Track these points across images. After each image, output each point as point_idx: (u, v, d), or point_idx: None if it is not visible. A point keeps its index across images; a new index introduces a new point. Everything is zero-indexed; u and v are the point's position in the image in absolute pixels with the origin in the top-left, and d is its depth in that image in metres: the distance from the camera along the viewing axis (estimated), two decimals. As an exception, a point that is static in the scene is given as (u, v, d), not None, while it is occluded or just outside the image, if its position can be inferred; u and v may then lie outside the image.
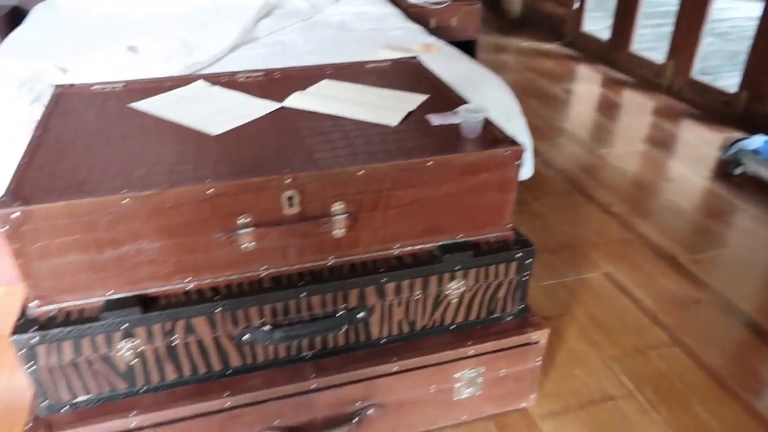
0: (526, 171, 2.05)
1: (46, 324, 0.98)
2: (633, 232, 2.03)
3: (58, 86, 1.38)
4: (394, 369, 1.16)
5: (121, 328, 1.00)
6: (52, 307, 0.99)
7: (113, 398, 1.06)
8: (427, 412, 1.23)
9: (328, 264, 1.11)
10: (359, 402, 1.16)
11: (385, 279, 1.11)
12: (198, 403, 1.06)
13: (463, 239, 1.17)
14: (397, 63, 1.57)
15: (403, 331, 1.18)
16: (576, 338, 1.56)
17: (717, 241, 2.00)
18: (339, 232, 1.08)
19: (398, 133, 1.17)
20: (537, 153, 2.55)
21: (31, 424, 1.02)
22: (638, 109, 3.10)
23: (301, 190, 1.02)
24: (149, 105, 1.28)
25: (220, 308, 1.04)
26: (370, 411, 1.17)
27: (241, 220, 1.02)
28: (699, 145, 2.69)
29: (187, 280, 1.04)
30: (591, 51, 3.89)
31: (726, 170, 2.42)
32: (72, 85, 1.39)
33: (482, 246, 1.18)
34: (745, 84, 2.82)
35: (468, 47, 3.22)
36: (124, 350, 1.02)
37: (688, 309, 1.67)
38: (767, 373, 1.47)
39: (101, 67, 1.84)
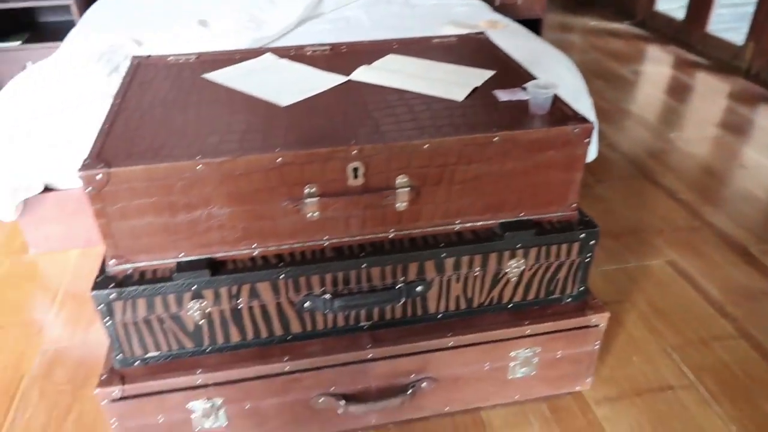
0: (590, 153, 2.00)
1: (122, 281, 1.03)
2: (701, 220, 1.96)
3: (135, 57, 1.43)
4: (450, 344, 1.17)
5: (191, 289, 1.04)
6: (128, 266, 1.04)
7: (181, 356, 1.11)
8: (480, 388, 1.24)
9: (389, 236, 1.12)
10: (413, 374, 1.18)
11: (444, 254, 1.11)
12: (259, 365, 1.11)
13: (526, 217, 1.16)
14: (463, 38, 1.56)
15: (460, 306, 1.19)
16: (635, 325, 1.53)
17: (792, 233, 1.91)
18: (401, 205, 1.09)
19: (464, 108, 1.16)
20: (601, 136, 2.48)
21: (106, 376, 1.08)
22: (712, 93, 2.97)
23: (366, 162, 1.03)
24: (221, 76, 1.32)
25: (283, 275, 1.07)
26: (424, 384, 1.18)
27: (307, 190, 1.04)
28: (777, 132, 2.56)
29: (253, 246, 1.08)
30: (663, 31, 3.73)
31: (806, 159, 2.30)
32: (149, 56, 1.44)
33: (545, 225, 1.16)
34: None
35: (533, 26, 3.15)
36: (193, 310, 1.06)
37: (757, 301, 1.61)
38: (840, 373, 1.41)
39: (173, 39, 1.90)
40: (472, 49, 1.50)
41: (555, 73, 1.93)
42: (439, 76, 1.30)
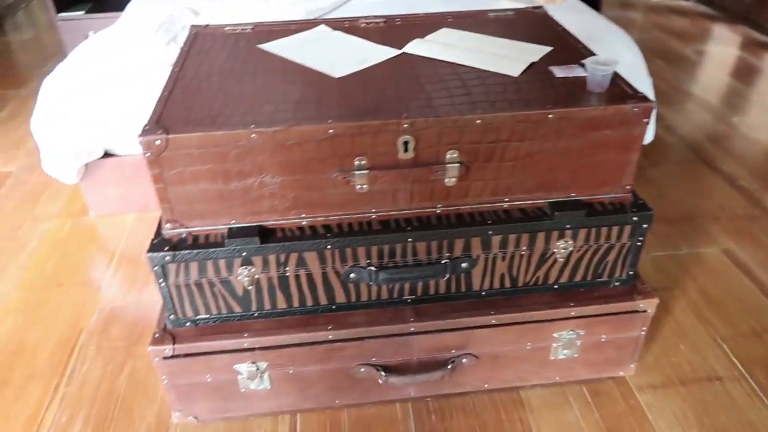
0: (647, 135, 1.94)
1: (177, 245, 1.07)
2: (761, 208, 1.88)
3: (193, 27, 1.46)
4: (492, 322, 1.17)
5: (241, 255, 1.07)
6: (182, 230, 1.08)
7: (229, 319, 1.15)
8: (520, 368, 1.24)
9: (437, 211, 1.12)
10: (454, 350, 1.19)
11: (491, 231, 1.11)
12: (303, 332, 1.13)
13: (576, 198, 1.14)
14: (521, 13, 1.52)
15: (504, 285, 1.18)
16: (684, 313, 1.49)
17: None
18: (450, 180, 1.08)
19: (519, 83, 1.14)
20: (659, 118, 2.40)
21: (158, 334, 1.13)
22: (781, 76, 2.82)
23: (417, 136, 1.03)
24: (276, 46, 1.33)
25: (330, 245, 1.08)
26: (464, 360, 1.19)
27: (357, 162, 1.05)
28: None
29: (302, 216, 1.09)
30: (731, 9, 3.55)
31: None
32: (207, 25, 1.46)
33: (596, 206, 1.14)
34: None
35: (592, 2, 3.04)
36: (242, 276, 1.09)
37: (816, 296, 1.55)
38: None
39: (230, 10, 1.92)
40: (529, 23, 1.46)
41: (613, 51, 1.87)
42: (494, 51, 1.28)
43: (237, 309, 1.14)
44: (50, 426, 1.27)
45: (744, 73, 2.87)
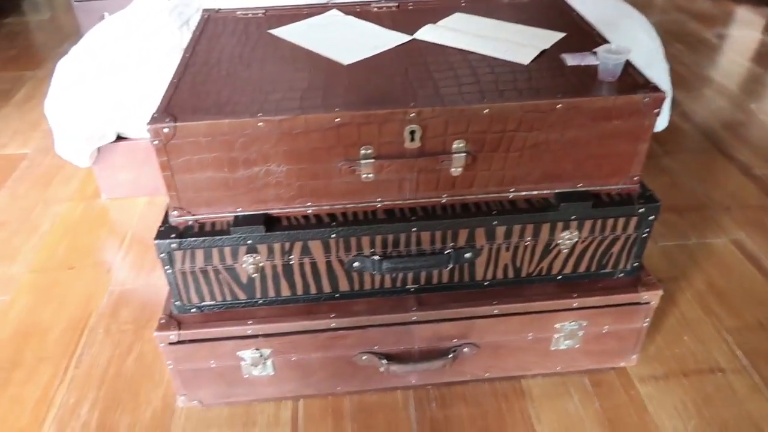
0: (661, 122, 1.91)
1: (183, 232, 1.08)
2: (775, 200, 1.86)
3: (205, 11, 1.45)
4: (494, 312, 1.17)
5: (246, 243, 1.08)
6: (189, 218, 1.09)
7: (234, 306, 1.16)
8: (521, 357, 1.24)
9: (442, 201, 1.12)
10: (456, 339, 1.19)
11: (496, 222, 1.11)
12: (307, 320, 1.15)
13: (583, 188, 1.13)
14: (534, -1, 1.50)
15: (507, 275, 1.19)
16: (690, 304, 1.49)
17: None
18: (456, 170, 1.08)
19: (529, 72, 1.13)
20: (676, 104, 2.36)
21: (164, 320, 1.15)
22: (803, 63, 2.76)
23: (423, 125, 1.03)
24: (287, 32, 1.33)
25: (334, 234, 1.09)
26: (466, 349, 1.20)
27: (363, 151, 1.04)
28: None
29: (307, 204, 1.10)
30: (756, -8, 3.46)
31: None
32: (218, 10, 1.46)
33: (602, 197, 1.13)
34: None
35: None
36: (247, 264, 1.11)
37: (826, 289, 1.53)
38: None
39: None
40: (543, 8, 1.44)
41: (631, 35, 1.84)
42: (506, 37, 1.26)
43: (241, 296, 1.16)
44: (59, 407, 1.30)
45: (766, 58, 2.81)
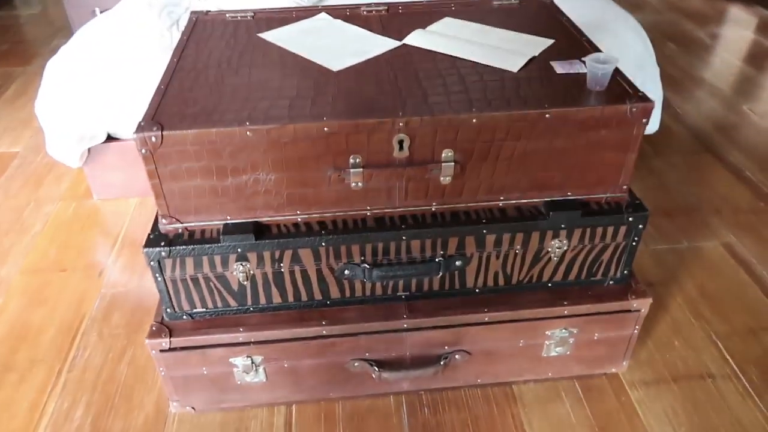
0: (652, 125, 1.92)
1: (173, 240, 1.08)
2: (766, 202, 1.86)
3: (194, 13, 1.44)
4: (485, 319, 1.17)
5: (236, 251, 1.08)
6: (178, 226, 1.09)
7: (224, 313, 1.16)
8: (512, 364, 1.25)
9: (431, 209, 1.12)
10: (447, 346, 1.20)
11: (486, 230, 1.11)
12: (298, 327, 1.15)
13: (572, 197, 1.13)
14: (526, 2, 1.49)
15: (498, 283, 1.19)
16: (680, 309, 1.49)
17: None
18: (445, 179, 1.08)
19: (518, 79, 1.13)
20: (668, 105, 2.37)
21: (155, 327, 1.15)
22: (796, 63, 2.77)
23: (412, 135, 1.03)
24: (275, 36, 1.32)
25: (324, 242, 1.09)
26: (457, 356, 1.20)
27: (351, 160, 1.04)
28: None
29: (297, 212, 1.10)
30: (749, -10, 3.46)
31: None
32: (207, 12, 1.45)
33: (592, 206, 1.14)
34: None
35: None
36: (237, 271, 1.10)
37: (816, 294, 1.54)
38: None
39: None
40: (534, 13, 1.44)
41: (622, 38, 1.84)
42: (495, 43, 1.26)
43: (232, 303, 1.16)
44: (52, 412, 1.30)
45: (758, 58, 2.81)
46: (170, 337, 1.13)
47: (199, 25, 1.39)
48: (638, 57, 1.82)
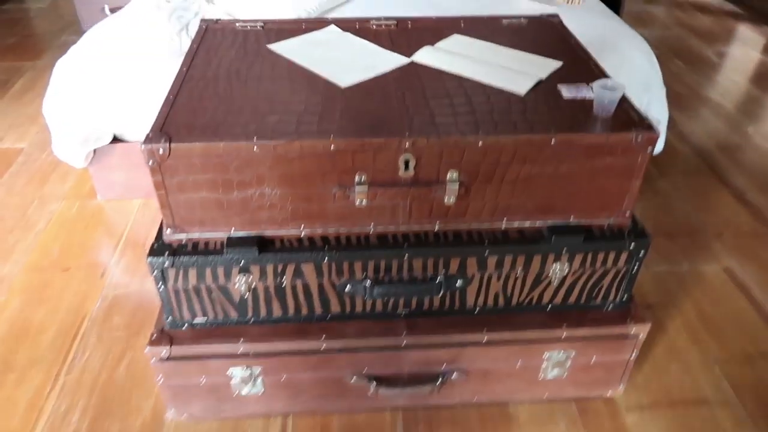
0: (657, 146, 1.92)
1: (177, 250, 1.08)
2: (767, 226, 1.86)
3: (204, 21, 1.45)
4: (484, 339, 1.18)
5: (239, 263, 1.08)
6: (183, 236, 1.09)
7: (225, 324, 1.17)
8: (509, 384, 1.25)
9: (435, 229, 1.13)
10: (445, 364, 1.20)
11: (488, 252, 1.11)
12: (297, 341, 1.15)
13: (575, 222, 1.14)
14: (535, 21, 1.50)
15: (498, 303, 1.19)
16: (679, 332, 1.50)
17: None
18: (449, 199, 1.08)
19: (525, 102, 1.13)
20: (673, 124, 2.37)
21: (156, 335, 1.15)
22: (802, 85, 2.77)
23: (417, 155, 1.03)
24: (285, 47, 1.33)
25: (327, 258, 1.09)
26: (455, 375, 1.21)
27: (357, 178, 1.05)
28: None
29: (300, 227, 1.10)
30: (760, 9, 3.46)
31: None
32: (217, 20, 1.45)
33: (594, 231, 1.14)
34: None
35: (615, -3, 2.98)
36: (240, 284, 1.11)
37: (814, 322, 1.55)
38: None
39: (243, -3, 1.91)
40: (542, 33, 1.44)
41: (628, 57, 1.85)
42: (503, 63, 1.26)
43: (233, 314, 1.16)
44: (50, 414, 1.30)
45: (764, 79, 2.81)
46: (171, 345, 1.14)
47: (209, 33, 1.40)
48: (645, 77, 1.83)
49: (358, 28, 1.45)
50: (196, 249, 1.09)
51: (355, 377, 1.19)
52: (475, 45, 1.36)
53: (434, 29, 1.43)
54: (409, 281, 1.14)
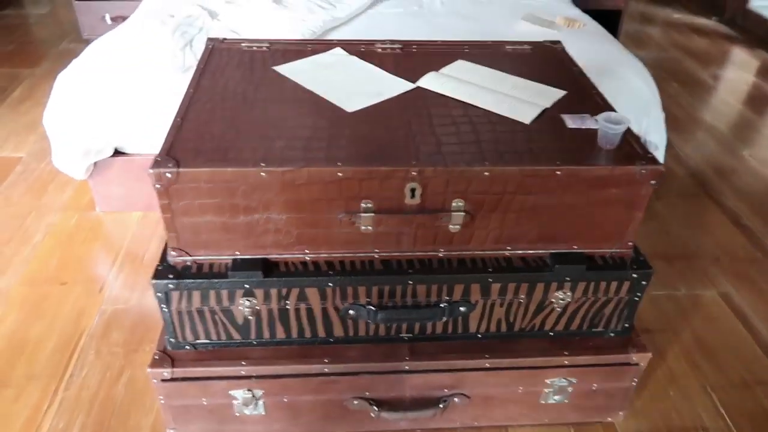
0: (655, 169, 1.94)
1: (181, 273, 1.08)
2: (762, 251, 1.88)
3: (210, 40, 1.45)
4: (486, 365, 1.18)
5: (244, 287, 1.09)
6: (187, 258, 1.09)
7: (228, 346, 1.17)
8: (510, 409, 1.26)
9: (439, 255, 1.13)
10: (447, 389, 1.21)
11: (491, 279, 1.12)
12: (300, 364, 1.15)
13: (578, 251, 1.15)
14: (538, 47, 1.51)
15: (500, 329, 1.20)
16: (677, 358, 1.51)
17: None
18: (454, 227, 1.09)
19: (530, 132, 1.14)
20: (669, 146, 2.38)
21: (158, 356, 1.15)
22: (796, 109, 2.81)
23: (424, 184, 1.04)
24: (290, 70, 1.33)
25: (331, 283, 1.10)
26: (456, 399, 1.21)
27: (363, 205, 1.05)
28: None
29: (305, 252, 1.11)
30: (754, 32, 3.51)
31: None
32: (223, 40, 1.46)
33: (596, 260, 1.15)
34: None
35: (613, 16, 3.02)
36: (243, 306, 1.11)
37: (810, 349, 1.56)
38: None
39: (247, 14, 1.92)
40: (545, 60, 1.46)
41: (628, 82, 1.87)
42: (508, 91, 1.28)
43: (236, 336, 1.16)
44: (48, 431, 1.29)
45: (758, 102, 2.85)
46: (172, 367, 1.14)
47: (215, 53, 1.41)
48: (644, 102, 1.85)
49: (364, 50, 1.46)
50: (200, 271, 1.09)
51: (356, 401, 1.19)
52: (479, 71, 1.37)
53: (438, 54, 1.45)
54: (413, 306, 1.14)
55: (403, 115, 1.18)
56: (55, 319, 1.57)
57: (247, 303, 1.11)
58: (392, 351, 1.18)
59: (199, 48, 1.72)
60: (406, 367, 1.17)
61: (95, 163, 1.84)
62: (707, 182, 2.21)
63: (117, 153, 1.84)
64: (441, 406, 1.20)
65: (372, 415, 1.20)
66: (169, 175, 1.00)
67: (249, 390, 1.16)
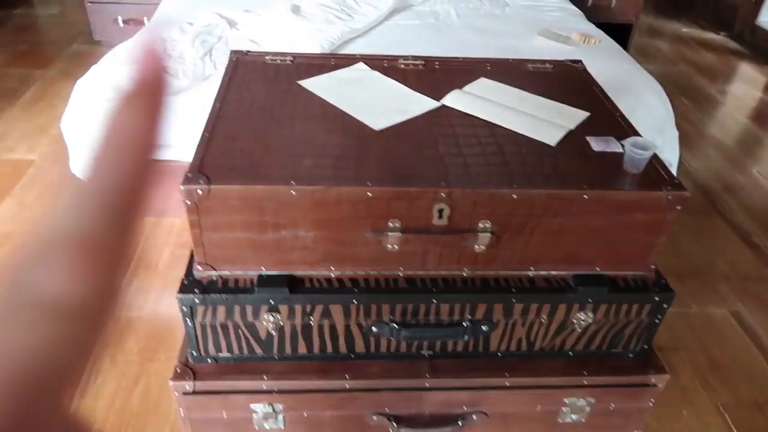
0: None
1: (206, 288, 1.09)
2: (773, 271, 1.90)
3: (234, 52, 1.46)
4: (506, 383, 1.19)
5: (269, 302, 1.09)
6: (213, 273, 1.10)
7: (250, 360, 1.17)
8: (527, 427, 1.27)
9: (463, 274, 1.14)
10: (466, 407, 1.22)
11: (514, 299, 1.13)
12: (321, 379, 1.16)
13: (600, 272, 1.16)
14: (560, 66, 1.52)
15: (521, 348, 1.21)
16: (689, 377, 1.52)
17: None
18: (480, 248, 1.10)
19: (555, 154, 1.15)
20: (679, 162, 2.40)
21: (180, 369, 1.16)
22: (804, 127, 2.83)
23: (452, 205, 1.05)
24: (315, 85, 1.34)
25: (356, 300, 1.10)
26: (475, 417, 1.22)
27: (390, 224, 1.06)
28: None
29: (330, 269, 1.11)
30: (762, 48, 3.53)
31: None
32: (247, 52, 1.47)
33: (619, 282, 1.16)
34: None
35: (623, 30, 3.03)
36: (268, 322, 1.12)
37: (821, 370, 1.58)
38: None
39: (265, 23, 1.92)
40: (567, 79, 1.47)
41: (644, 100, 1.88)
42: (532, 112, 1.29)
43: (258, 351, 1.17)
44: (65, 441, 1.30)
45: (765, 119, 2.87)
46: (194, 380, 1.14)
47: (239, 66, 1.41)
48: (659, 121, 1.86)
49: (387, 66, 1.46)
50: (226, 286, 1.10)
51: (376, 416, 1.20)
52: (502, 90, 1.38)
53: (461, 71, 1.46)
54: (436, 325, 1.15)
55: (430, 134, 1.19)
56: (70, 325, 1.57)
57: (272, 318, 1.12)
58: (413, 368, 1.19)
59: (218, 57, 1.73)
60: (427, 384, 1.18)
61: (111, 169, 1.84)
62: (717, 199, 2.23)
63: (133, 159, 1.85)
64: (459, 423, 1.21)
65: (391, 431, 1.21)
66: (200, 192, 1.00)
67: (269, 404, 1.17)
